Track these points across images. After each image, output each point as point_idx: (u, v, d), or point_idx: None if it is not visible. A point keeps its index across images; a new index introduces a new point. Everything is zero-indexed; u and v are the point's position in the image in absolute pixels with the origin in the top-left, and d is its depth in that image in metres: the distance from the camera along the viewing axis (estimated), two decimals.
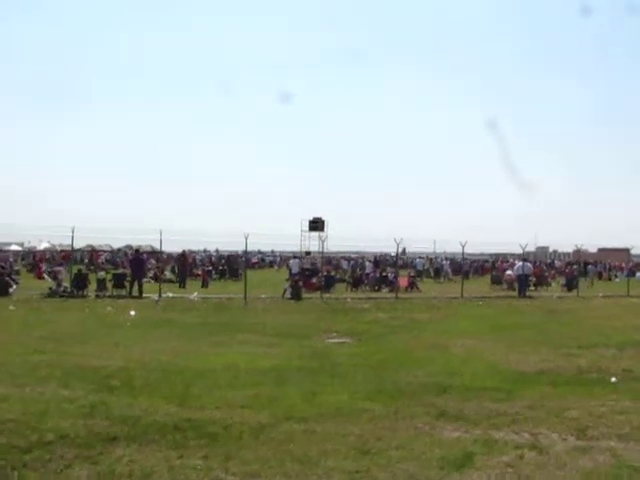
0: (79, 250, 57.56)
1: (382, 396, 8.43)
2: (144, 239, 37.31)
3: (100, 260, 48.47)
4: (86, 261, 50.50)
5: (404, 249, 42.88)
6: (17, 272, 36.64)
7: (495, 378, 9.78)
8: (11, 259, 44.10)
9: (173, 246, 35.50)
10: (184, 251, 34.56)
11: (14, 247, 57.38)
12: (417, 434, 6.63)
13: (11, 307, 19.25)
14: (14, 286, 23.97)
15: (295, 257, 35.71)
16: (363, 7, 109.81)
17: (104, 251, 55.79)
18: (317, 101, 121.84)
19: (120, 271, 27.52)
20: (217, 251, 58.82)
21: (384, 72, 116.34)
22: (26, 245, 59.75)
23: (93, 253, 52.36)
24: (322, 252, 32.19)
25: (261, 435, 6.55)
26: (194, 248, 58.67)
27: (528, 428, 6.87)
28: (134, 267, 25.57)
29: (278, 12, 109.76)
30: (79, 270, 24.92)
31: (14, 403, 7.55)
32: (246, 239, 25.77)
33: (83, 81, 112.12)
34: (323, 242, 30.26)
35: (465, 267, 37.77)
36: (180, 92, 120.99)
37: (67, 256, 52.73)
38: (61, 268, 26.10)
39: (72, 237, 24.72)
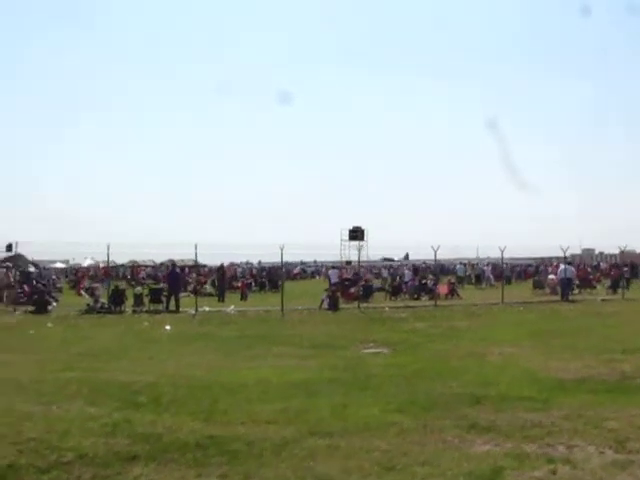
0: (122, 266, 58.65)
1: (413, 408, 8.16)
2: (186, 253, 37.59)
3: (141, 275, 48.99)
4: (128, 276, 51.36)
5: (407, 254, 42.39)
6: (60, 289, 37.32)
7: (532, 387, 9.41)
8: (53, 277, 44.80)
9: (217, 259, 35.79)
10: (222, 264, 34.70)
11: (59, 264, 58.42)
12: (445, 448, 6.36)
13: (49, 324, 19.47)
14: (54, 304, 24.32)
15: (334, 267, 35.54)
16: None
17: (146, 266, 56.44)
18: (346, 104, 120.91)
19: (157, 286, 27.55)
20: (260, 263, 59.02)
21: None
22: (71, 262, 60.71)
23: (134, 268, 53.07)
24: (357, 262, 31.86)
25: (283, 452, 6.35)
26: (237, 261, 59.22)
27: (563, 440, 6.53)
28: (170, 281, 25.70)
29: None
30: (116, 286, 25.19)
31: (38, 421, 7.50)
32: (282, 250, 25.71)
33: (115, 91, 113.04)
34: (359, 251, 30.04)
35: (507, 272, 37.14)
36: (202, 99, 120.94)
37: (108, 272, 53.74)
38: (98, 285, 26.40)
39: (107, 254, 25.06)
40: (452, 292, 30.81)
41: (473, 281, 43.30)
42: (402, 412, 7.94)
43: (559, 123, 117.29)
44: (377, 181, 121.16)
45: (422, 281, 32.12)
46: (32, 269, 33.26)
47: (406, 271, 35.58)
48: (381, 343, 15.45)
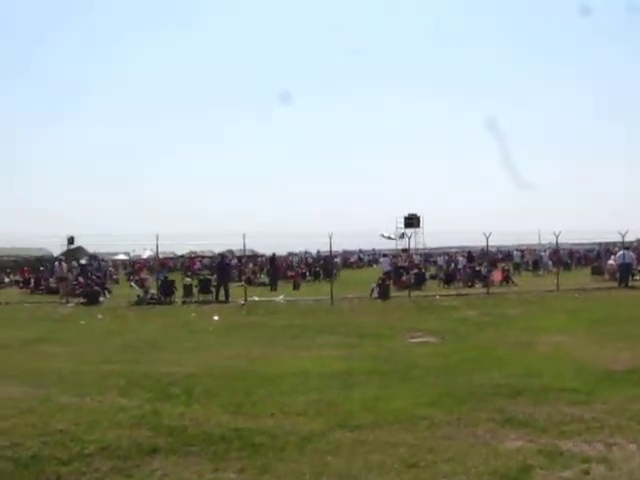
0: (181, 257, 59.50)
1: (449, 400, 7.87)
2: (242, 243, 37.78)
3: (196, 266, 49.44)
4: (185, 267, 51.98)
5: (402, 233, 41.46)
6: (116, 281, 38.11)
7: (578, 378, 8.95)
8: (110, 268, 45.71)
9: (275, 249, 35.84)
10: (274, 254, 34.74)
11: (121, 256, 59.71)
12: (475, 444, 6.06)
13: (99, 316, 19.80)
14: (107, 295, 24.75)
15: (385, 255, 35.17)
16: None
17: (203, 257, 56.98)
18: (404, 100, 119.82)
19: (206, 276, 27.73)
20: (318, 252, 58.97)
21: None
22: (132, 254, 61.86)
23: (190, 259, 53.63)
24: (408, 249, 31.38)
25: (307, 446, 6.17)
26: (296, 250, 59.34)
27: (603, 437, 6.13)
28: (219, 272, 25.79)
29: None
30: (165, 277, 25.43)
31: (69, 413, 7.51)
32: (330, 239, 25.49)
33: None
34: (409, 238, 29.57)
35: (565, 258, 36.05)
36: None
37: (165, 263, 54.52)
38: (148, 276, 26.73)
39: (157, 245, 25.30)
40: (506, 279, 30.12)
41: (530, 268, 42.29)
42: (436, 405, 7.66)
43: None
44: (431, 167, 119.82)
45: (476, 268, 31.47)
46: (83, 261, 33.82)
47: (460, 258, 34.89)
48: (429, 332, 15.12)
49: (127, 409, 7.71)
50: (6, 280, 37.72)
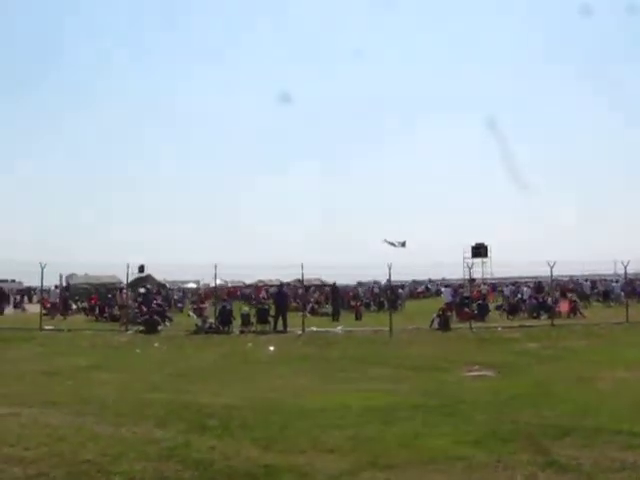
0: (250, 286, 60.03)
1: (492, 440, 7.46)
2: (312, 273, 37.75)
3: (262, 295, 49.69)
4: (252, 296, 52.33)
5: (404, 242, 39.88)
6: (180, 309, 38.62)
7: (637, 419, 8.38)
8: (175, 297, 46.34)
9: (344, 279, 35.66)
10: (335, 284, 34.59)
11: (191, 285, 60.59)
12: None
13: (156, 344, 19.97)
14: (167, 323, 25.04)
15: (447, 286, 34.51)
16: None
17: (270, 285, 57.28)
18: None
19: (263, 306, 27.75)
20: (389, 281, 58.32)
21: None
22: (202, 283, 62.70)
23: (256, 288, 53.99)
24: (474, 279, 30.64)
25: None
26: (364, 280, 58.95)
27: None
28: (278, 301, 25.73)
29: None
30: (223, 306, 25.52)
31: (100, 442, 7.47)
32: (389, 269, 25.17)
33: None
34: (469, 268, 28.88)
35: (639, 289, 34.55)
36: None
37: (232, 292, 55.00)
38: (206, 305, 26.95)
39: (215, 274, 25.46)
40: (574, 310, 29.03)
41: (601, 299, 40.70)
42: (477, 444, 7.28)
43: None
44: (499, 195, 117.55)
45: (541, 299, 30.47)
46: (142, 290, 34.36)
47: (525, 288, 33.93)
48: (486, 365, 14.63)
49: (160, 440, 7.61)
50: (74, 307, 38.73)
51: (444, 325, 23.88)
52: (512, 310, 29.78)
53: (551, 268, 25.86)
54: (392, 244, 38.91)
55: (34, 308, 35.33)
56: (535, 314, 28.88)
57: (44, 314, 27.79)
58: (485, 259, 61.73)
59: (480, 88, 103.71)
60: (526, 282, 42.72)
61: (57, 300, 36.33)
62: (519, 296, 33.30)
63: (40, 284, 28.83)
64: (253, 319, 25.18)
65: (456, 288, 32.99)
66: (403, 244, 38.04)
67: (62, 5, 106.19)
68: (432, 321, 24.47)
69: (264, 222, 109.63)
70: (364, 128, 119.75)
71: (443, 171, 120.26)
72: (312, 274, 40.08)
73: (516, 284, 43.33)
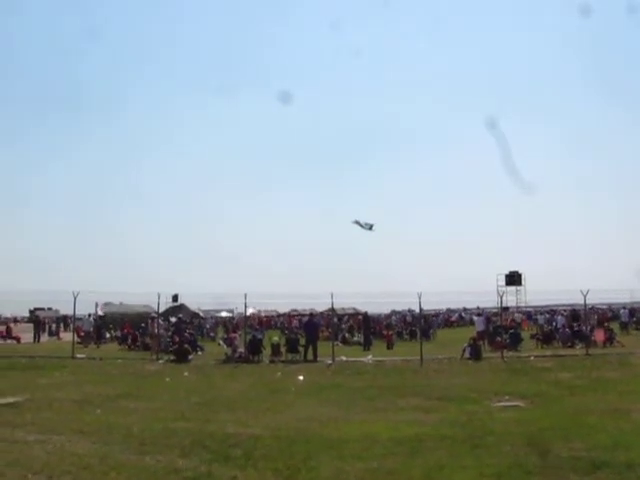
0: (283, 315, 60.12)
1: (517, 473, 7.31)
2: (348, 302, 37.64)
3: (294, 324, 49.68)
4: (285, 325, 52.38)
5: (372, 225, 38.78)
6: (213, 339, 38.73)
7: None
8: (207, 326, 46.52)
9: (376, 308, 35.53)
10: (366, 312, 34.45)
11: (224, 314, 60.85)
12: None
13: (185, 373, 20.00)
14: (199, 352, 25.07)
15: (479, 314, 34.08)
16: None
17: (303, 314, 57.24)
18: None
19: (292, 335, 27.72)
20: (422, 310, 57.80)
21: None
22: (235, 312, 62.93)
23: (288, 317, 54.06)
24: (507, 307, 30.23)
25: None
26: (399, 308, 58.63)
27: None
28: (308, 331, 25.65)
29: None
30: (253, 336, 25.55)
31: (123, 471, 7.51)
32: (419, 297, 24.95)
33: None
34: (501, 297, 28.44)
35: None
36: None
37: (265, 321, 55.10)
38: (236, 335, 26.95)
39: (245, 303, 25.50)
40: (610, 339, 28.41)
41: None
42: (502, 477, 7.15)
43: None
44: (534, 222, 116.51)
45: (576, 327, 29.91)
46: (174, 319, 34.57)
47: (558, 317, 33.35)
48: (517, 395, 14.35)
49: (182, 470, 7.61)
50: (107, 336, 39.12)
51: (475, 354, 23.54)
52: (546, 339, 29.31)
53: (584, 296, 25.38)
54: (360, 225, 38.65)
55: (69, 336, 35.76)
56: (569, 343, 28.38)
57: (78, 342, 28.13)
58: (519, 287, 61.14)
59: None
60: (562, 310, 42.06)
61: (91, 329, 36.75)
62: (553, 325, 32.72)
63: (73, 312, 29.09)
64: (283, 348, 25.16)
65: (488, 317, 32.55)
66: (370, 227, 37.72)
67: None
68: (463, 350, 24.14)
69: (297, 252, 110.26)
70: (392, 151, 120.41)
71: (476, 197, 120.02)
72: (345, 303, 40.01)
73: (551, 312, 42.71)
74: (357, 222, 36.10)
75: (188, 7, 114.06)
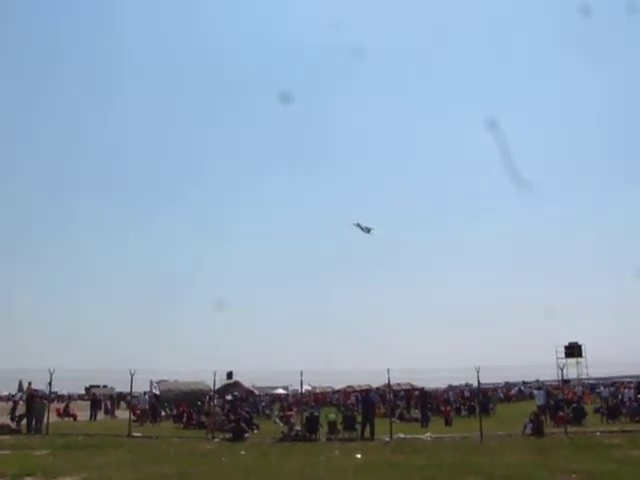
0: (339, 391, 59.47)
1: None
2: (399, 377, 37.08)
3: (350, 400, 48.97)
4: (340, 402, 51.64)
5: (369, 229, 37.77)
6: (268, 416, 38.44)
7: None
8: (263, 403, 46.23)
9: (434, 383, 34.86)
10: (423, 389, 33.89)
11: (279, 390, 60.56)
12: None
13: (242, 452, 19.80)
14: (255, 430, 24.87)
15: (539, 388, 33.11)
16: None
17: (361, 390, 56.41)
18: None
19: (350, 412, 27.33)
20: (480, 384, 56.48)
21: None
22: (290, 389, 62.52)
23: (344, 394, 53.34)
24: (568, 380, 29.31)
25: None
26: (455, 383, 57.37)
27: None
28: (364, 408, 25.32)
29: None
30: (311, 413, 25.30)
31: None
32: (477, 372, 24.39)
33: None
34: (561, 369, 27.59)
35: None
36: None
37: (320, 398, 54.52)
38: (292, 412, 26.70)
39: (301, 381, 25.38)
40: None
41: None
42: None
43: None
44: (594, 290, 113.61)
45: None
46: (229, 397, 34.52)
47: (625, 389, 32.10)
48: (584, 474, 13.88)
49: None
50: (163, 414, 39.16)
51: (537, 430, 22.81)
52: (612, 413, 28.22)
53: None
54: (361, 228, 38.31)
55: (124, 414, 35.96)
56: (638, 418, 27.19)
57: (133, 421, 28.24)
58: (579, 359, 59.30)
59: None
60: (627, 382, 40.53)
61: (146, 407, 36.92)
62: (619, 398, 31.49)
63: (130, 390, 29.33)
64: (340, 426, 24.84)
65: (549, 390, 31.57)
66: (369, 230, 37.44)
67: None
68: (524, 426, 23.47)
69: (357, 328, 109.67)
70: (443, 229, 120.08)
71: (532, 269, 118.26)
72: (401, 378, 39.43)
73: (615, 385, 41.20)
74: (358, 225, 36.65)
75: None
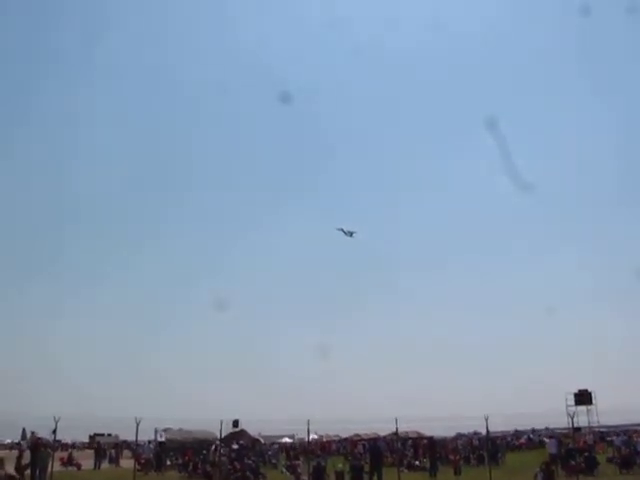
0: (346, 439, 58.54)
1: None
2: (409, 426, 36.64)
3: (357, 449, 48.16)
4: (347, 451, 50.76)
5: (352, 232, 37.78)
6: (275, 465, 37.87)
7: None
8: (269, 452, 45.50)
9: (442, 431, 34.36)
10: (432, 438, 33.44)
11: (285, 439, 59.71)
12: None
13: None
14: None
15: (551, 436, 32.57)
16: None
17: (368, 439, 55.59)
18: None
19: (358, 462, 26.90)
20: (488, 433, 55.58)
21: None
22: (296, 438, 61.65)
23: (352, 442, 52.46)
24: (579, 428, 28.82)
25: None
26: (465, 431, 56.40)
27: None
28: (372, 457, 24.98)
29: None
30: (318, 462, 24.94)
31: None
32: (486, 421, 24.10)
33: None
34: (572, 417, 27.18)
35: None
36: None
37: (327, 447, 53.63)
38: (299, 462, 26.31)
39: (307, 430, 25.07)
40: None
41: None
42: None
43: None
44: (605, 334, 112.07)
45: None
46: (235, 446, 34.04)
47: (638, 439, 31.53)
48: None
49: None
50: (167, 463, 38.53)
51: None
52: (625, 463, 27.59)
53: None
54: (344, 232, 38.24)
55: (129, 463, 35.42)
56: None
57: (138, 470, 27.80)
58: (590, 406, 58.37)
59: None
60: None
61: (151, 455, 36.37)
62: (632, 447, 30.87)
63: (135, 438, 28.93)
64: (347, 476, 24.42)
65: (560, 439, 30.98)
66: (351, 234, 37.40)
67: None
68: (535, 476, 23.10)
69: (359, 377, 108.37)
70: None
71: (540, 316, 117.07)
72: (409, 427, 38.88)
73: (627, 433, 40.43)
74: (341, 229, 36.80)
75: None
